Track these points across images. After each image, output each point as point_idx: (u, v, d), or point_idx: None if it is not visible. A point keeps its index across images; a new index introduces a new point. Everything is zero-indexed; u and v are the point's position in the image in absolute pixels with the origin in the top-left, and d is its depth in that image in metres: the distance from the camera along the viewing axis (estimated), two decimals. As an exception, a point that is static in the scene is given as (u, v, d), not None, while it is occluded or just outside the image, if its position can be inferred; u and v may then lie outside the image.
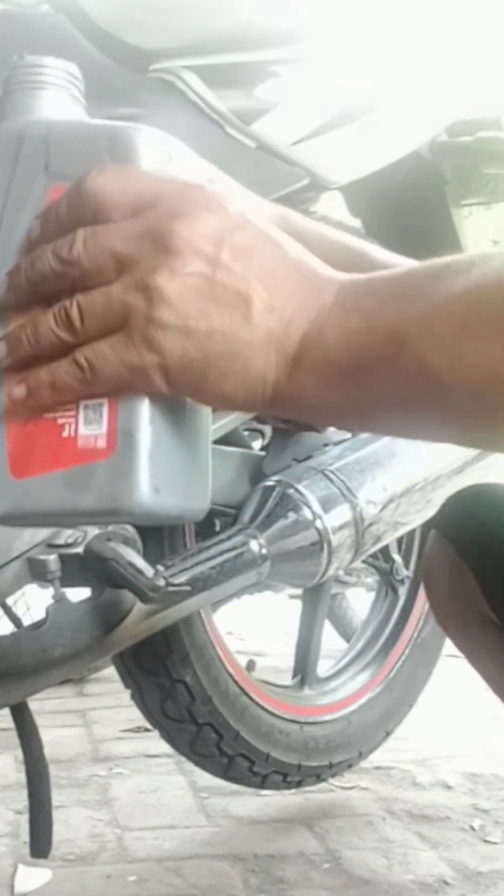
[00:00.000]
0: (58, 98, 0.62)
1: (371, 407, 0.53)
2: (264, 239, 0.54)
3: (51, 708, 2.06)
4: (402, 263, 0.93)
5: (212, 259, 0.52)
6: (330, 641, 1.92)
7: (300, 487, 1.23)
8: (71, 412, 0.55)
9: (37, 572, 0.96)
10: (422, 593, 1.56)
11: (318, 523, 1.22)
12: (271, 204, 0.90)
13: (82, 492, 0.55)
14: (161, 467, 0.55)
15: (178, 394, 0.54)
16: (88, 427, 0.55)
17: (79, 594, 1.00)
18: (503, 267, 0.50)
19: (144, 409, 0.54)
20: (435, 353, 0.49)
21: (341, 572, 1.42)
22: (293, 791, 1.56)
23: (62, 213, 0.54)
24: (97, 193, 0.53)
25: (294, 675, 1.53)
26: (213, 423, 1.17)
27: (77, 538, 0.97)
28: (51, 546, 0.97)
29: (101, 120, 0.59)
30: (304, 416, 0.59)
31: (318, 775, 1.52)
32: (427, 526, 1.23)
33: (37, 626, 0.96)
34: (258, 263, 0.53)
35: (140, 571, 0.96)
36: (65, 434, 0.55)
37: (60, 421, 0.56)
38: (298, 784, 1.51)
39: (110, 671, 1.84)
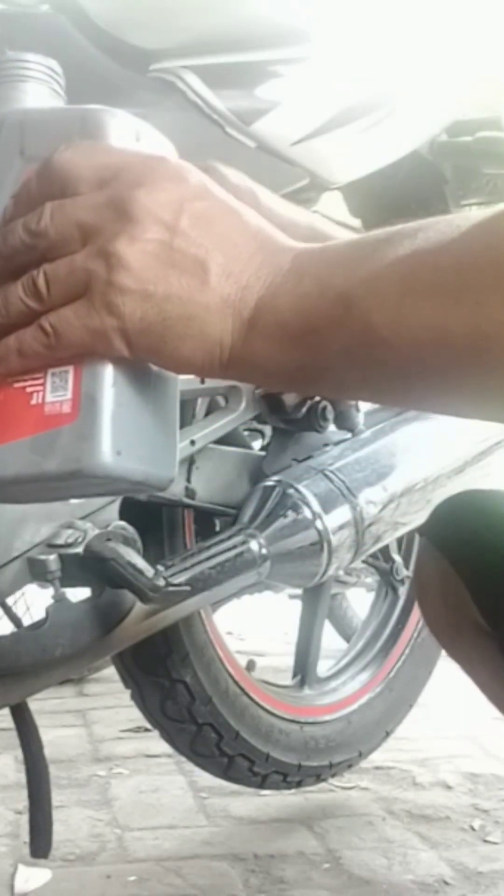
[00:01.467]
0: (38, 91, 0.65)
1: (321, 369, 0.54)
2: (224, 208, 0.56)
3: (51, 708, 2.06)
4: None
5: (170, 226, 0.54)
6: (330, 641, 1.92)
7: (300, 487, 1.23)
8: (39, 380, 0.57)
9: (37, 572, 0.96)
10: (422, 593, 1.56)
11: (318, 523, 1.22)
12: (304, 211, 0.91)
13: (47, 456, 0.57)
14: (124, 430, 0.57)
15: (139, 358, 0.56)
16: (55, 394, 0.57)
17: (79, 594, 1.00)
18: (445, 230, 0.51)
19: (107, 373, 0.56)
20: (378, 312, 0.50)
21: (341, 572, 1.42)
22: (293, 791, 1.56)
23: (33, 190, 0.57)
24: (64, 168, 0.55)
25: (294, 675, 1.53)
26: (213, 424, 1.17)
27: (77, 538, 0.97)
28: (51, 546, 0.97)
29: (74, 105, 0.61)
30: (259, 380, 0.60)
31: (318, 775, 1.52)
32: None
33: (37, 626, 0.96)
34: (216, 231, 0.55)
35: (140, 571, 0.96)
36: (32, 402, 0.57)
37: (29, 389, 0.57)
38: (298, 784, 1.51)
39: (110, 671, 1.84)
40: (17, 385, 0.57)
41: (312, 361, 0.54)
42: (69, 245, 0.55)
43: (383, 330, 0.50)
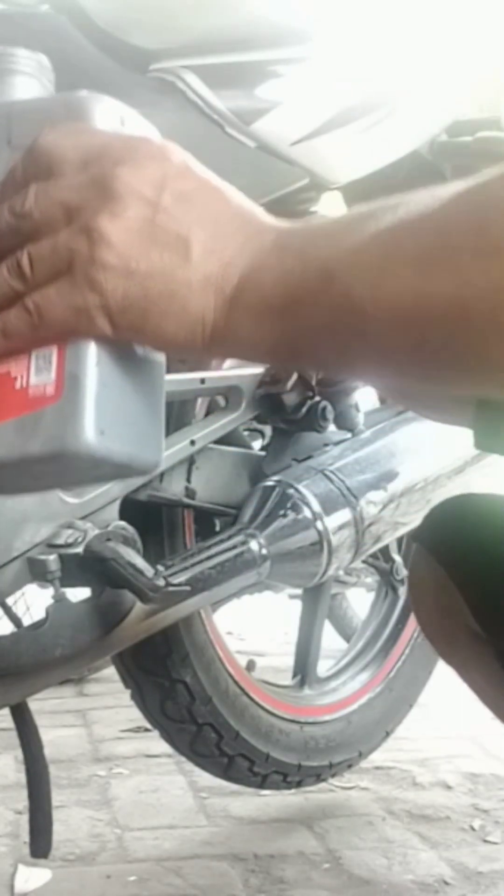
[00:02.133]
0: (26, 84, 0.65)
1: (303, 343, 0.54)
2: (207, 186, 0.56)
3: (51, 708, 2.06)
4: None
5: (153, 203, 0.54)
6: (330, 641, 1.92)
7: (300, 487, 1.23)
8: (23, 364, 0.57)
9: (37, 572, 0.96)
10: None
11: (318, 523, 1.22)
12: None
13: (31, 437, 0.56)
14: (107, 410, 0.56)
15: (122, 337, 0.56)
16: (38, 376, 0.57)
17: (79, 594, 1.00)
18: (426, 201, 0.51)
19: (90, 353, 0.56)
20: (358, 283, 0.50)
21: (341, 572, 1.42)
22: (293, 791, 1.56)
23: (18, 175, 0.57)
24: (48, 151, 0.56)
25: (294, 675, 1.53)
26: (213, 424, 1.17)
27: (77, 538, 0.97)
28: (51, 546, 0.97)
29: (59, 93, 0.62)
30: (241, 355, 0.60)
31: (318, 775, 1.52)
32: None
33: (37, 626, 0.96)
34: (199, 209, 0.55)
35: (140, 571, 0.96)
36: (17, 386, 0.57)
37: (13, 374, 0.57)
38: (298, 784, 1.51)
39: (110, 671, 1.84)
40: (1, 370, 0.57)
41: (294, 336, 0.54)
42: (53, 225, 0.55)
43: (363, 301, 0.50)
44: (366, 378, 0.58)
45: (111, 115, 0.59)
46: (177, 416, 1.17)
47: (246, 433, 1.38)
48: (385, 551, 1.55)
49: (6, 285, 0.56)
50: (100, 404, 0.56)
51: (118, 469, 0.60)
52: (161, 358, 0.61)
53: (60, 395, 0.56)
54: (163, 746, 1.45)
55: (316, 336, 0.53)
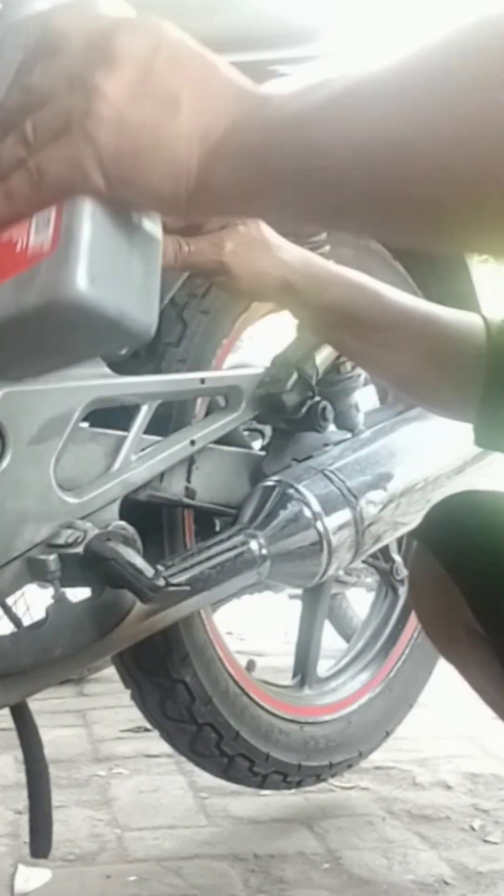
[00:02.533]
0: None
1: (276, 189, 0.58)
2: (201, 56, 0.60)
3: (51, 708, 2.06)
4: (418, 305, 0.97)
5: (147, 64, 0.58)
6: (330, 641, 1.92)
7: (300, 487, 1.23)
8: (24, 229, 0.61)
9: (37, 572, 0.96)
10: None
11: (318, 523, 1.22)
12: (296, 246, 0.95)
13: (26, 291, 0.60)
14: (100, 262, 0.60)
15: (115, 192, 0.60)
16: (37, 236, 0.61)
17: (79, 594, 1.00)
18: (392, 60, 0.55)
19: (85, 207, 0.60)
20: (329, 130, 0.54)
21: (341, 572, 1.42)
22: (293, 791, 1.56)
23: (30, 57, 0.61)
24: (55, 30, 0.61)
25: (294, 675, 1.53)
26: (213, 424, 1.17)
27: (77, 538, 0.97)
28: (51, 546, 0.97)
29: None
30: (220, 209, 0.64)
31: (318, 775, 1.52)
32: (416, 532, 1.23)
33: (37, 626, 0.96)
34: (191, 73, 0.59)
35: (140, 571, 0.96)
36: (18, 249, 0.61)
37: (14, 239, 0.62)
38: (298, 784, 1.51)
39: (110, 671, 1.84)
40: (4, 239, 0.61)
41: (269, 182, 0.57)
42: (57, 94, 0.59)
43: (332, 148, 0.54)
44: (332, 226, 0.62)
45: (115, 5, 0.64)
46: (177, 416, 1.17)
47: (246, 433, 1.37)
48: (385, 551, 1.55)
49: (11, 153, 0.60)
50: (93, 254, 0.60)
51: (111, 326, 0.63)
52: (157, 233, 0.65)
53: (55, 248, 0.60)
54: (163, 746, 1.45)
55: (288, 182, 0.56)
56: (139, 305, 0.64)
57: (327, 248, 1.21)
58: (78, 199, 0.60)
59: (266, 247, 0.94)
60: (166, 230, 0.87)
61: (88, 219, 0.60)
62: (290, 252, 0.96)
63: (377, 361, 1.01)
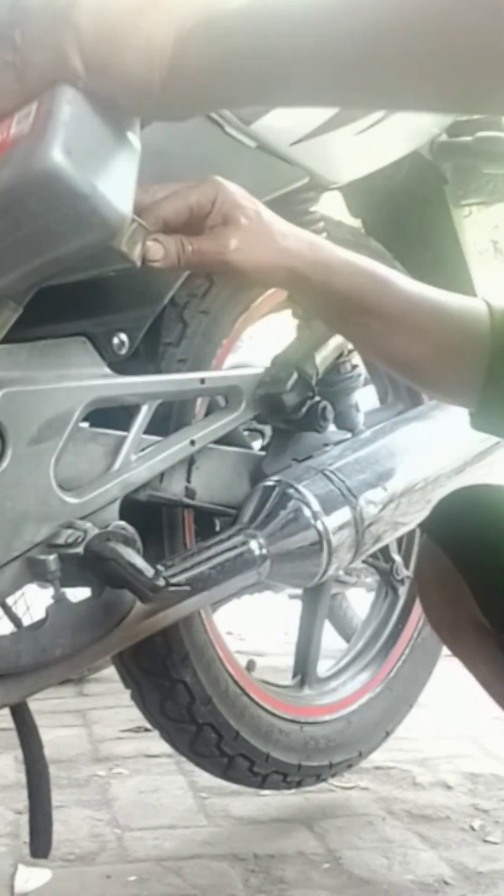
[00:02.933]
0: None
1: (238, 66, 0.64)
2: None
3: (51, 708, 2.06)
4: (425, 292, 0.97)
5: None
6: (330, 641, 1.92)
7: (300, 487, 1.23)
8: (7, 123, 0.67)
9: (37, 572, 0.96)
10: (422, 593, 1.56)
11: (318, 523, 1.22)
12: (305, 232, 0.94)
13: (5, 168, 0.65)
14: (75, 142, 0.64)
15: (92, 79, 0.65)
16: (19, 125, 0.66)
17: (79, 594, 1.00)
18: None
19: (65, 92, 0.65)
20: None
21: (341, 572, 1.42)
22: (293, 791, 1.56)
23: None
24: None
25: (294, 675, 1.53)
26: (213, 424, 1.17)
27: (77, 538, 0.97)
28: (51, 546, 0.97)
29: None
30: (190, 95, 0.68)
31: (318, 775, 1.52)
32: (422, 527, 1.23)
33: (37, 626, 0.96)
34: None
35: (140, 571, 0.96)
36: (0, 139, 0.67)
37: (1, 136, 0.67)
38: (298, 784, 1.51)
39: (110, 671, 1.84)
40: None
41: (233, 54, 0.63)
42: (43, 3, 0.65)
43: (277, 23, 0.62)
44: (301, 100, 0.71)
45: None
46: (177, 416, 1.17)
47: (246, 433, 1.37)
48: (385, 551, 1.55)
49: (1, 60, 0.65)
50: (68, 132, 0.64)
51: (82, 202, 0.66)
52: (137, 144, 0.70)
53: (33, 129, 0.65)
54: (163, 746, 1.45)
55: (249, 62, 0.63)
56: (112, 191, 0.67)
57: (322, 223, 1.21)
58: (58, 87, 0.65)
59: (271, 237, 0.91)
60: (169, 230, 0.87)
61: (67, 102, 0.64)
62: (298, 239, 0.94)
63: (384, 348, 1.00)
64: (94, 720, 2.03)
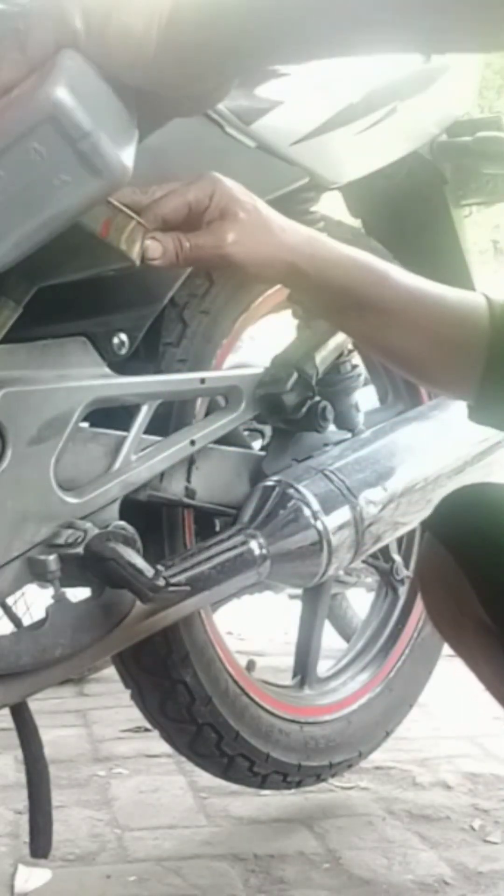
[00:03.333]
0: None
1: (233, 24, 0.66)
2: None
3: (51, 708, 2.06)
4: (423, 286, 0.97)
5: None
6: (330, 641, 1.92)
7: (300, 487, 1.23)
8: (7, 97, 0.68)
9: (37, 572, 0.96)
10: (422, 593, 1.56)
11: (318, 523, 1.22)
12: (303, 226, 0.94)
13: (5, 112, 0.67)
14: (79, 87, 0.66)
15: (92, 40, 0.66)
16: (20, 89, 0.67)
17: (79, 594, 1.00)
18: None
19: (66, 52, 0.67)
20: None
21: (341, 572, 1.42)
22: (293, 791, 1.56)
23: None
24: None
25: (294, 675, 1.53)
26: (213, 424, 1.17)
27: (77, 538, 0.97)
28: (51, 546, 0.97)
29: None
30: (186, 53, 0.69)
31: (318, 775, 1.52)
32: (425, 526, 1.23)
33: (37, 626, 0.96)
34: None
35: (140, 571, 0.96)
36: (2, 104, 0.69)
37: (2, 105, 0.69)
38: (298, 784, 1.51)
39: (110, 671, 1.84)
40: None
41: (234, 23, 0.65)
42: None
43: None
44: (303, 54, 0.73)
45: None
46: (177, 416, 1.17)
47: (246, 433, 1.37)
48: (385, 551, 1.55)
49: (9, 28, 0.67)
50: (72, 79, 0.66)
51: (85, 141, 0.67)
52: (136, 122, 0.71)
53: (35, 81, 0.66)
54: (163, 746, 1.45)
55: (241, 22, 0.65)
56: (113, 137, 0.68)
57: (322, 223, 1.21)
58: (60, 52, 0.66)
59: (269, 231, 0.91)
60: (168, 228, 0.87)
61: (69, 59, 0.66)
62: (296, 233, 0.94)
63: (382, 342, 1.00)
64: (94, 720, 2.03)
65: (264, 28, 0.66)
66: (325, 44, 0.67)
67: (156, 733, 1.38)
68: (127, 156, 0.70)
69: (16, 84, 0.68)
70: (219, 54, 0.68)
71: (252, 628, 2.74)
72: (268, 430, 1.35)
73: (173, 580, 1.05)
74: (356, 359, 1.38)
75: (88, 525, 0.98)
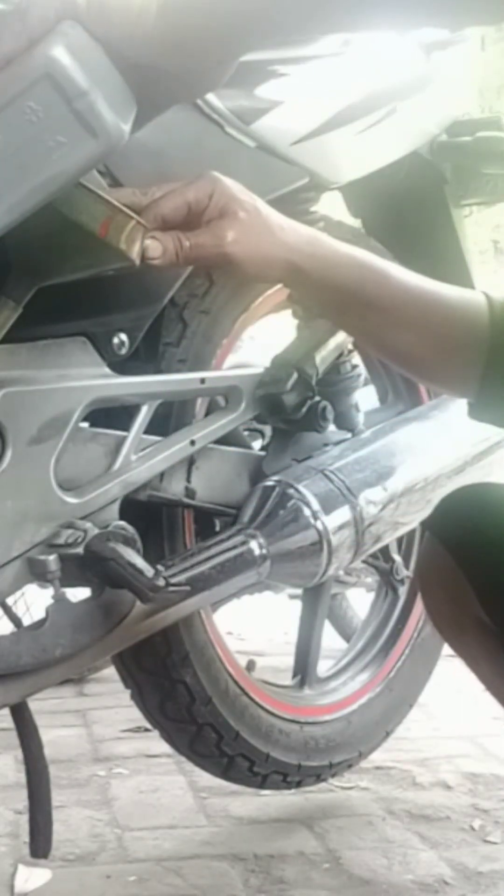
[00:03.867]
0: None
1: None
2: None
3: (51, 708, 2.06)
4: (423, 284, 0.97)
5: None
6: (330, 641, 1.92)
7: (300, 487, 1.23)
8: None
9: (37, 572, 0.96)
10: (422, 593, 1.56)
11: (318, 523, 1.22)
12: (303, 226, 0.93)
13: (2, 73, 0.67)
14: (77, 50, 0.66)
15: (91, 9, 0.67)
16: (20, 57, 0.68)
17: (79, 594, 1.00)
18: None
19: (64, 22, 0.67)
20: None
21: (341, 572, 1.42)
22: (293, 791, 1.56)
23: None
24: None
25: (294, 675, 1.53)
26: (213, 424, 1.17)
27: (77, 538, 0.97)
28: (51, 546, 0.97)
29: None
30: (185, 24, 0.69)
31: (318, 775, 1.52)
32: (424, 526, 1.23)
33: (37, 626, 0.96)
34: None
35: (140, 571, 0.96)
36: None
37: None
38: (298, 784, 1.51)
39: (110, 671, 1.84)
40: None
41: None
42: None
43: None
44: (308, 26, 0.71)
45: None
46: (177, 416, 1.17)
47: (246, 433, 1.37)
48: (385, 551, 1.55)
49: (11, 3, 0.70)
50: (69, 40, 0.66)
51: (82, 101, 0.67)
52: (134, 101, 0.71)
53: (35, 45, 0.67)
54: (163, 746, 1.45)
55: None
56: (111, 99, 0.68)
57: (322, 223, 1.21)
58: (62, 22, 0.66)
59: (269, 230, 0.91)
60: (168, 227, 0.87)
61: (69, 26, 0.66)
62: (296, 233, 0.94)
63: (383, 340, 1.00)
64: (94, 720, 2.03)
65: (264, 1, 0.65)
66: (329, 17, 0.66)
67: (156, 733, 1.38)
68: (125, 120, 0.69)
69: (17, 55, 0.68)
70: (218, 27, 0.68)
71: (252, 628, 2.74)
72: (268, 430, 1.35)
73: (173, 580, 1.05)
74: (356, 359, 1.38)
75: (88, 525, 0.98)
